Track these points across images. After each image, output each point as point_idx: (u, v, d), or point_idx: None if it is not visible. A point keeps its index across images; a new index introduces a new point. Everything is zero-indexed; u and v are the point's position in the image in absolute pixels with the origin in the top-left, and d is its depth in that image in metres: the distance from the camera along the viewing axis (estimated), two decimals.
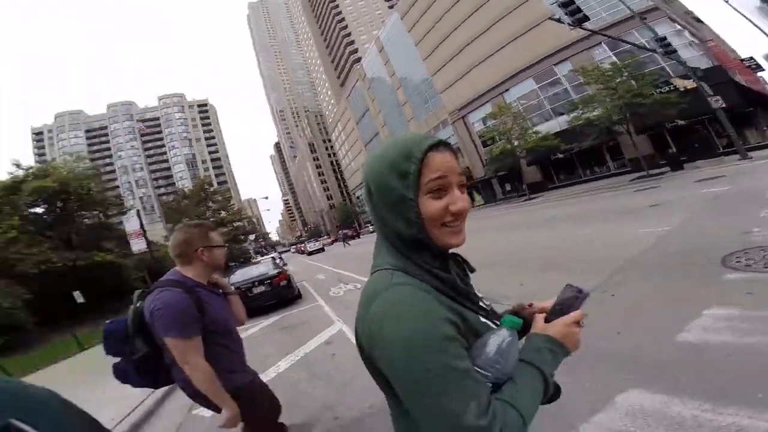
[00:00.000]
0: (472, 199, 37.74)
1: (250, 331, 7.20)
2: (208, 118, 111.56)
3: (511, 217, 16.04)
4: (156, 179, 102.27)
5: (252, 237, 53.36)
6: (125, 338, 1.74)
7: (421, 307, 0.59)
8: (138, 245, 10.19)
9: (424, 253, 0.69)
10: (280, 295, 9.04)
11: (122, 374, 1.79)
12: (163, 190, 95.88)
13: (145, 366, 1.73)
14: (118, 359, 1.79)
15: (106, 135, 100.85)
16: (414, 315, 0.58)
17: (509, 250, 8.12)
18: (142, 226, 10.58)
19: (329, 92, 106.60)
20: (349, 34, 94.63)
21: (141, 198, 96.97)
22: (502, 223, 14.35)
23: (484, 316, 0.71)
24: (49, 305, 13.02)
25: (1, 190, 16.16)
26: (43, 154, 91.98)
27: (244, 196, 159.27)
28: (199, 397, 1.71)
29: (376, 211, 0.71)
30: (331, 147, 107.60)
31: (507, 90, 30.24)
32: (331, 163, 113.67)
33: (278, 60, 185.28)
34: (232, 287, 1.98)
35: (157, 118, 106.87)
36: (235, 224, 47.83)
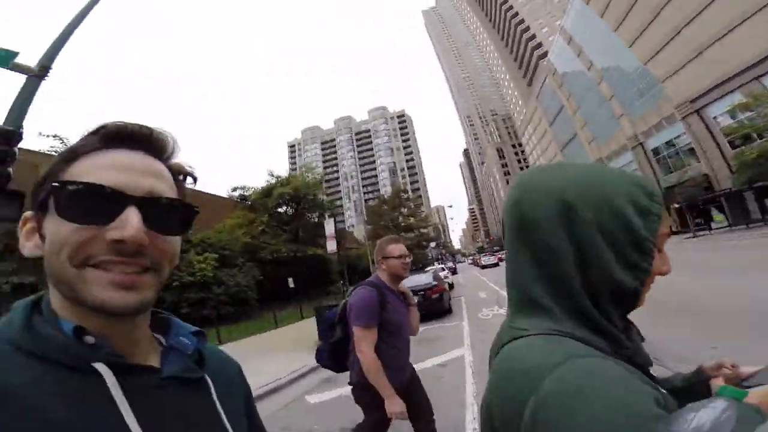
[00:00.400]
0: (710, 219, 28.83)
1: None
2: (405, 127, 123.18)
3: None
4: (366, 185, 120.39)
5: (433, 244, 56.25)
6: (332, 325, 2.13)
7: (624, 382, 0.44)
8: (331, 246, 12.59)
9: (615, 313, 0.55)
10: (430, 308, 9.51)
11: (319, 354, 2.17)
12: (370, 195, 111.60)
13: (336, 350, 2.09)
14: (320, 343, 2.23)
15: (334, 146, 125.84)
16: (617, 392, 0.43)
17: (719, 297, 6.08)
18: (335, 231, 13.02)
19: (515, 93, 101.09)
20: (527, 29, 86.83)
21: (354, 202, 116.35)
22: (728, 256, 10.70)
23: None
24: (269, 287, 17.18)
25: (260, 193, 22.50)
26: (295, 163, 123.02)
27: (433, 203, 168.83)
28: (356, 389, 2.01)
29: (567, 241, 0.54)
30: (522, 152, 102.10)
31: (766, 74, 22.08)
32: (521, 169, 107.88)
33: (460, 64, 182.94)
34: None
35: (368, 130, 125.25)
36: (422, 230, 51.78)
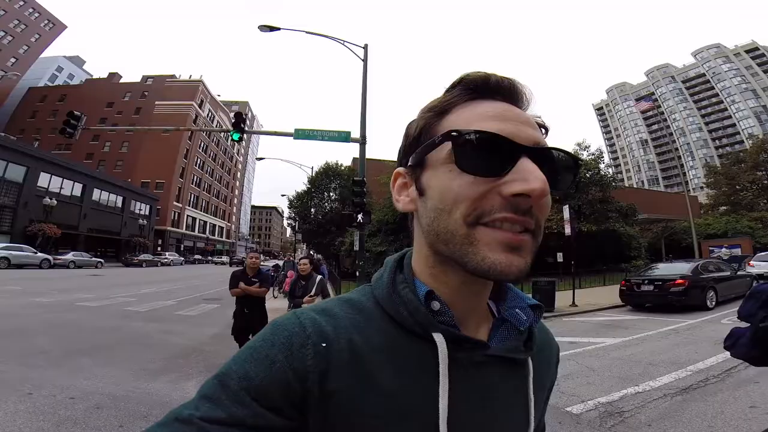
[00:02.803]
0: None
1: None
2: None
3: None
4: (718, 138, 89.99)
5: None
6: None
7: None
8: (567, 230, 12.48)
9: None
10: (665, 298, 9.29)
11: (733, 339, 1.63)
12: (729, 149, 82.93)
13: (765, 336, 1.49)
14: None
15: (656, 100, 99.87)
16: None
17: None
18: (570, 216, 12.46)
19: None
20: None
21: (702, 159, 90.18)
22: None
23: None
24: (540, 259, 18.08)
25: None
26: (607, 126, 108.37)
27: None
28: None
29: None
30: None
31: None
32: None
33: None
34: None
35: (703, 75, 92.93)
36: None
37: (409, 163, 0.47)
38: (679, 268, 10.17)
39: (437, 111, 0.46)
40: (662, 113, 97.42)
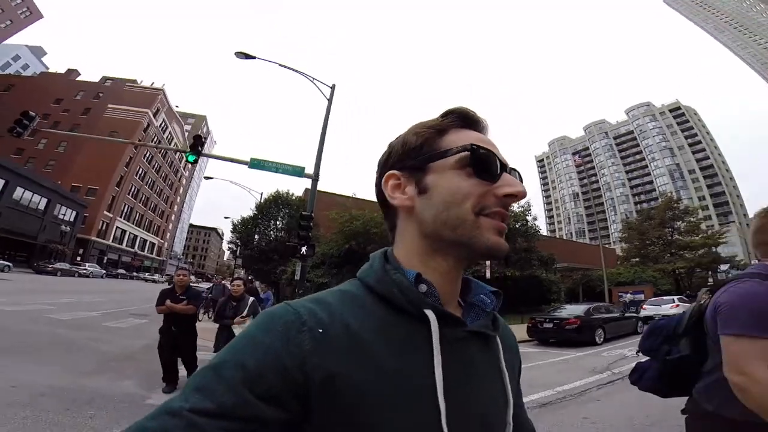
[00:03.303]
0: None
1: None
2: (687, 121, 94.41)
3: None
4: (637, 194, 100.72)
5: (725, 266, 42.69)
6: (670, 337, 1.51)
7: None
8: (487, 274, 14.18)
9: None
10: (562, 335, 10.75)
11: (638, 373, 1.60)
12: (645, 205, 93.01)
13: (672, 370, 1.45)
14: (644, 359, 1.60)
15: (589, 155, 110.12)
16: None
17: None
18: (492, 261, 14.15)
19: None
20: None
21: (623, 213, 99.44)
22: None
23: None
24: None
25: None
26: (546, 178, 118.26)
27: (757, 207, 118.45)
28: (703, 420, 1.30)
29: None
30: None
31: None
32: None
33: (742, 32, 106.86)
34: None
35: (631, 132, 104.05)
36: (712, 249, 40.70)
37: (409, 166, 0.56)
38: (577, 309, 11.85)
39: (437, 129, 0.57)
40: (592, 168, 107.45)
